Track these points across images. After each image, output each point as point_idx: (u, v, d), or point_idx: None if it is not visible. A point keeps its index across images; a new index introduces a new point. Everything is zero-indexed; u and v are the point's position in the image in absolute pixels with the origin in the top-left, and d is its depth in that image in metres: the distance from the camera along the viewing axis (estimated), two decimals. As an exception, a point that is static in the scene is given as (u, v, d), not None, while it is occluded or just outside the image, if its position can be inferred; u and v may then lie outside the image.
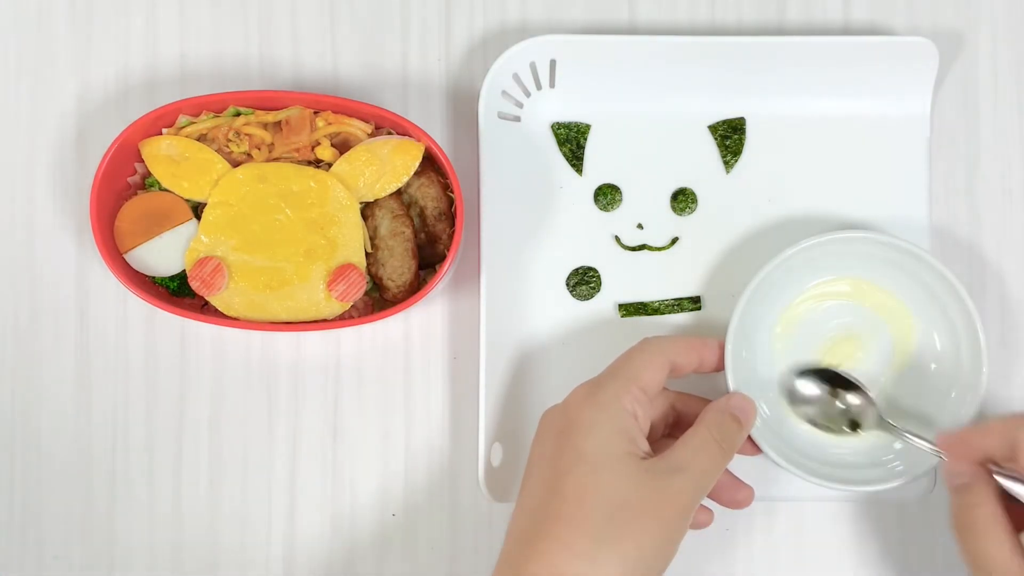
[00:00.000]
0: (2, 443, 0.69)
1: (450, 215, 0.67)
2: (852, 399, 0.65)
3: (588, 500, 0.56)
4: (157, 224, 0.65)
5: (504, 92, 0.68)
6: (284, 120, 0.65)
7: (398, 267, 0.65)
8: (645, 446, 0.60)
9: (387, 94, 0.70)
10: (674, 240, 0.69)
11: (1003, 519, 0.58)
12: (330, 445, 0.69)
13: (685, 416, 0.64)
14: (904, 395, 0.67)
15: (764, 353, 0.67)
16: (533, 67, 0.68)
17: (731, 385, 0.64)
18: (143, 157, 0.65)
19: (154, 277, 0.66)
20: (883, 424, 0.64)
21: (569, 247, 0.69)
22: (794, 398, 0.66)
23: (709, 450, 0.59)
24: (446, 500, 0.69)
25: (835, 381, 0.66)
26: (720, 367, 0.64)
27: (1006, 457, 0.59)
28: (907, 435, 0.63)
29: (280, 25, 0.71)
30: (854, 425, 0.65)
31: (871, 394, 0.65)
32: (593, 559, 0.55)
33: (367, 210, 0.66)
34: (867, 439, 0.66)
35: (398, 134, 0.66)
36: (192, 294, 0.66)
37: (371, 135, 0.66)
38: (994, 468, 0.59)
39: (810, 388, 0.66)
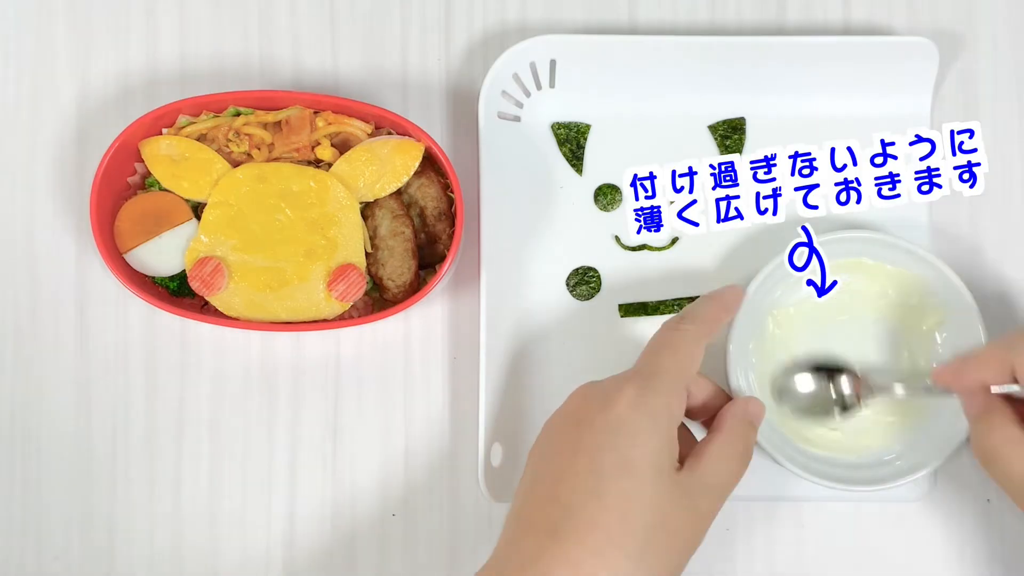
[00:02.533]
0: (2, 443, 0.69)
1: (450, 215, 0.67)
2: (844, 383, 0.65)
3: (631, 516, 0.55)
4: (157, 224, 0.65)
5: (504, 92, 0.68)
6: (284, 120, 0.65)
7: (398, 267, 0.65)
8: (677, 452, 0.58)
9: (387, 94, 0.70)
10: (674, 240, 0.69)
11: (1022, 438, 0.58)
12: (330, 445, 0.69)
13: (692, 395, 0.62)
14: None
15: (766, 352, 0.67)
16: (533, 67, 0.68)
17: (733, 385, 0.64)
18: (143, 157, 0.65)
19: (154, 277, 0.66)
20: (877, 391, 0.64)
21: (569, 247, 0.69)
22: (784, 396, 0.66)
23: (735, 466, 0.59)
24: (446, 500, 0.69)
25: (820, 369, 0.66)
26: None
27: (1006, 382, 0.59)
28: (902, 389, 0.64)
29: (280, 25, 0.71)
30: (845, 408, 0.65)
31: (856, 369, 0.65)
32: (620, 573, 0.54)
33: (367, 210, 0.66)
34: (866, 428, 0.66)
35: (398, 134, 0.66)
36: (192, 294, 0.66)
37: (371, 135, 0.66)
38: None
39: (805, 384, 0.66)
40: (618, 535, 0.54)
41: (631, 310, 0.69)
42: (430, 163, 0.66)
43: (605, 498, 0.55)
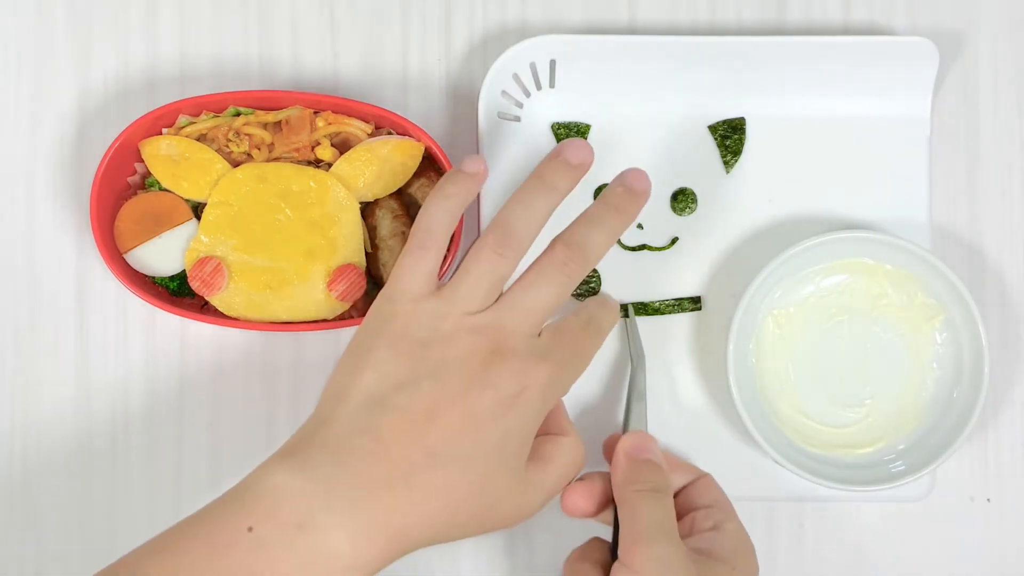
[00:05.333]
0: (2, 444, 0.69)
1: (450, 215, 0.66)
2: None
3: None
4: (157, 224, 0.65)
5: (504, 92, 0.68)
6: (284, 120, 0.65)
7: (398, 267, 0.65)
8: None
9: (387, 94, 0.70)
10: (674, 240, 0.69)
11: None
12: (330, 445, 0.69)
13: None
14: (906, 396, 0.67)
15: (766, 353, 0.67)
16: (533, 67, 0.68)
17: (733, 386, 0.64)
18: (143, 157, 0.65)
19: (154, 277, 0.66)
20: None
21: (569, 247, 0.69)
22: None
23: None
24: (446, 500, 0.69)
25: None
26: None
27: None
28: None
29: (280, 25, 0.71)
30: None
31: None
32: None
33: (367, 210, 0.66)
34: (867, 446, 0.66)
35: (398, 134, 0.66)
36: (192, 294, 0.66)
37: (371, 135, 0.66)
38: None
39: None
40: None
41: (631, 310, 0.69)
42: (430, 163, 0.66)
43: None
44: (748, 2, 0.71)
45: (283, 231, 0.64)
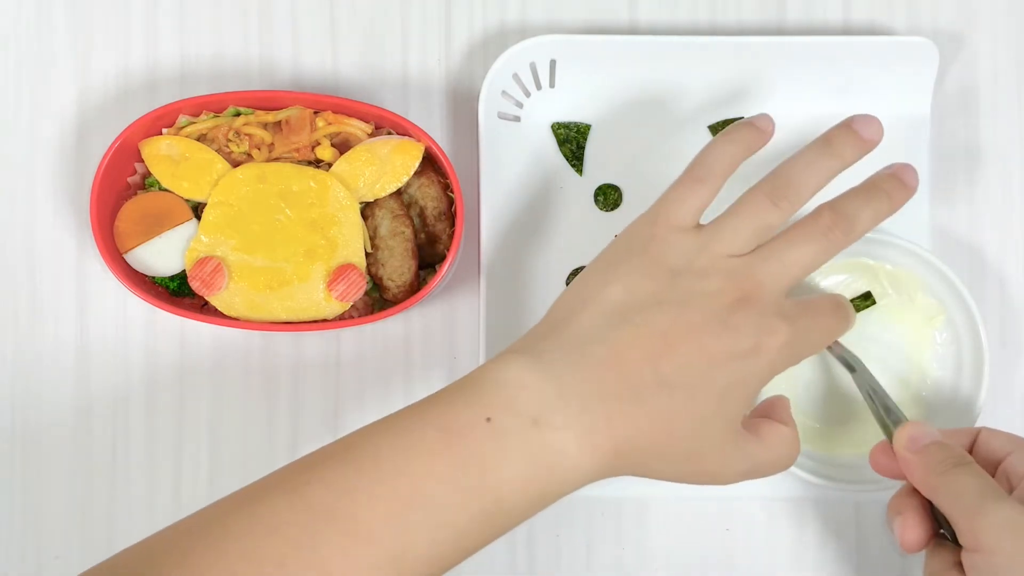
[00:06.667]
0: (2, 443, 0.69)
1: (450, 215, 0.67)
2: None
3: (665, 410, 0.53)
4: (157, 224, 0.65)
5: (504, 92, 0.68)
6: (284, 120, 0.65)
7: (398, 267, 0.65)
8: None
9: (387, 94, 0.70)
10: (674, 240, 0.69)
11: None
12: (330, 445, 0.69)
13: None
14: (906, 396, 0.67)
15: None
16: (533, 67, 0.68)
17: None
18: (143, 157, 0.65)
19: (154, 277, 0.66)
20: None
21: (569, 247, 0.69)
22: None
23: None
24: (446, 500, 0.69)
25: None
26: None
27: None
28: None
29: (280, 25, 0.71)
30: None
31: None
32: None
33: (367, 210, 0.66)
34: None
35: (398, 134, 0.66)
36: (192, 294, 0.66)
37: (371, 135, 0.66)
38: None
39: None
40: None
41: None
42: (430, 163, 0.66)
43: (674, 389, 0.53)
44: (748, 2, 0.71)
45: (283, 231, 0.65)
